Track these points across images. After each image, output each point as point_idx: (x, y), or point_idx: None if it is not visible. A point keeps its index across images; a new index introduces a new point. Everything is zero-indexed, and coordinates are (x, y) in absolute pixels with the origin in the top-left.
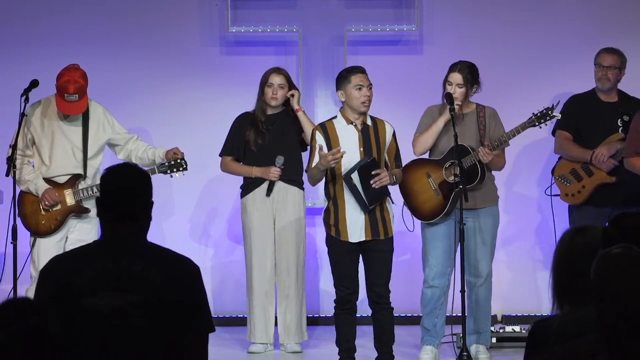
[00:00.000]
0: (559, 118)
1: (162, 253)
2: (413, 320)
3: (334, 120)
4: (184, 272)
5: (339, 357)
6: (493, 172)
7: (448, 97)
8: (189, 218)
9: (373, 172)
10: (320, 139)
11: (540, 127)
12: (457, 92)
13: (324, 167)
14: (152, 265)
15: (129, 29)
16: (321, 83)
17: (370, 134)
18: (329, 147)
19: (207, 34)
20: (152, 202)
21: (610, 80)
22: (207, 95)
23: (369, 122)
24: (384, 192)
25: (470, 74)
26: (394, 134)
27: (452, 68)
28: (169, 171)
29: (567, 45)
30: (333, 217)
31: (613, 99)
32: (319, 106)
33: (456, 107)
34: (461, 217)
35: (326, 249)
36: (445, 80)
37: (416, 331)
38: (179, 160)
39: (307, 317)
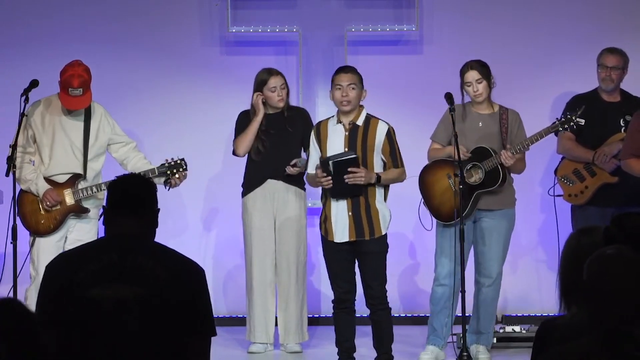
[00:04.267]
0: (582, 124)
1: (168, 252)
2: (419, 320)
3: (329, 119)
4: (188, 272)
5: (338, 357)
6: (512, 175)
7: (448, 98)
8: (189, 218)
9: (350, 169)
10: (313, 140)
11: (564, 132)
12: (480, 88)
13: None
14: (158, 261)
15: (129, 29)
16: (321, 83)
17: (358, 134)
18: (320, 146)
19: (207, 34)
20: (159, 209)
21: (614, 81)
22: (207, 95)
23: (360, 122)
24: (355, 190)
25: (484, 67)
26: (388, 133)
27: (464, 70)
28: (168, 172)
29: (567, 45)
30: (323, 217)
31: (616, 99)
32: (319, 106)
33: (478, 102)
34: (461, 217)
35: None
36: (463, 84)
37: (414, 331)
38: (178, 162)
39: (308, 318)
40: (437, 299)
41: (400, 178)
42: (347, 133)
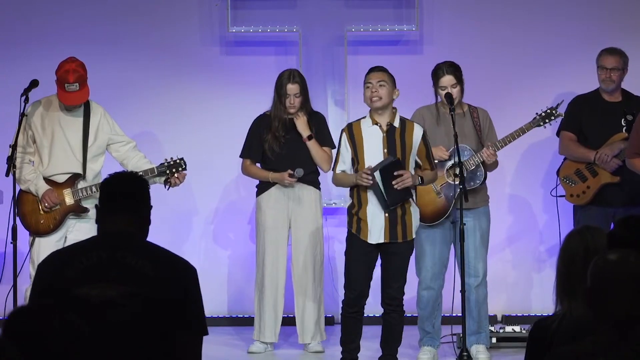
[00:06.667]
0: (563, 117)
1: (158, 250)
2: (410, 321)
3: (362, 120)
4: (178, 271)
5: (341, 356)
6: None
7: (448, 98)
8: (188, 219)
9: (396, 173)
10: (345, 141)
11: (545, 127)
12: (454, 93)
13: (355, 183)
14: (147, 259)
15: (129, 29)
16: (321, 83)
17: (395, 135)
18: (354, 148)
19: (207, 34)
20: (151, 206)
21: (614, 81)
22: (207, 95)
23: (396, 123)
24: (406, 193)
25: (457, 71)
26: (424, 136)
27: (438, 74)
28: (168, 171)
29: (567, 45)
30: (355, 215)
31: (617, 99)
32: (318, 106)
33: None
34: (461, 217)
35: (341, 249)
36: (437, 88)
37: (414, 331)
38: (177, 161)
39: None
40: (424, 303)
41: (435, 179)
42: (384, 134)
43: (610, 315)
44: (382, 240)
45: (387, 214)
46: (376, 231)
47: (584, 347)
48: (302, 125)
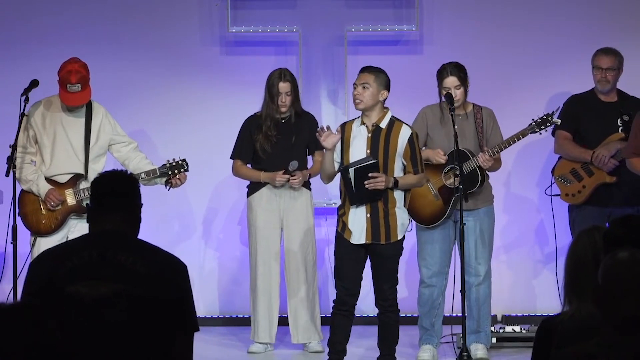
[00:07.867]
0: (559, 123)
1: (150, 248)
2: (411, 321)
3: (355, 119)
4: (170, 268)
5: (328, 357)
6: (491, 173)
7: (448, 98)
8: (188, 219)
9: (370, 174)
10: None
11: (541, 134)
12: (458, 94)
13: (324, 147)
14: (138, 257)
15: (128, 29)
16: (321, 83)
17: (380, 137)
18: (342, 146)
19: (207, 34)
20: (142, 204)
21: (610, 82)
22: (207, 95)
23: (383, 124)
24: (374, 195)
25: (462, 72)
26: (410, 137)
27: (443, 74)
28: (170, 172)
29: (567, 45)
30: (341, 216)
31: (612, 99)
32: (318, 106)
33: (456, 108)
34: (461, 217)
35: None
36: (441, 88)
37: (414, 331)
38: (179, 162)
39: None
40: (424, 301)
41: (420, 183)
42: (369, 135)
43: (616, 314)
44: (362, 241)
45: (368, 215)
46: (358, 232)
47: (586, 349)
48: (301, 182)
